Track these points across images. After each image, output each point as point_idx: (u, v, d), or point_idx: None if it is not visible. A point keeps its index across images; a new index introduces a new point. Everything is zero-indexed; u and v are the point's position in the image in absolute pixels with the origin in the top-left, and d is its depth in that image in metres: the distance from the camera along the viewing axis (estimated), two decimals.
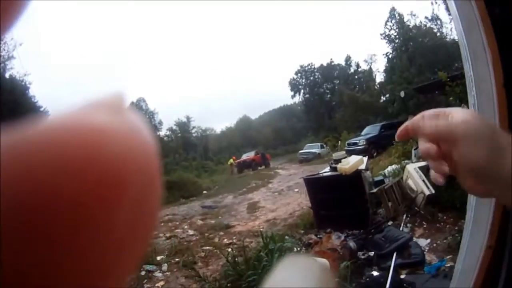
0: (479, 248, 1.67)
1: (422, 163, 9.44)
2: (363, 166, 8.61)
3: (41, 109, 40.72)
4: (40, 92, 79.16)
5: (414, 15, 49.59)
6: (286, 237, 7.72)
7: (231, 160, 36.91)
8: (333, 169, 8.71)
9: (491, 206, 1.61)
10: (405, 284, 5.42)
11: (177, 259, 8.30)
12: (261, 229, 8.81)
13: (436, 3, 40.37)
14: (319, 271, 0.18)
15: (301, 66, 66.10)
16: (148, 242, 0.16)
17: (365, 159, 9.48)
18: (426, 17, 47.63)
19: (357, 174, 8.14)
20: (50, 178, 0.13)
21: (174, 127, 62.34)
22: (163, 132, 62.02)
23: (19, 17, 0.16)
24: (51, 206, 0.13)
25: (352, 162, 8.39)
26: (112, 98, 0.18)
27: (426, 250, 6.54)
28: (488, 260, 1.65)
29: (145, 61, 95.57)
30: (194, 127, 63.56)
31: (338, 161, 8.86)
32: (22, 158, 0.13)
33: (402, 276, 5.74)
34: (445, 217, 7.43)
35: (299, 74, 66.00)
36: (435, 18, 46.07)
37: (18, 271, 0.13)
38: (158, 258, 8.40)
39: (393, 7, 50.94)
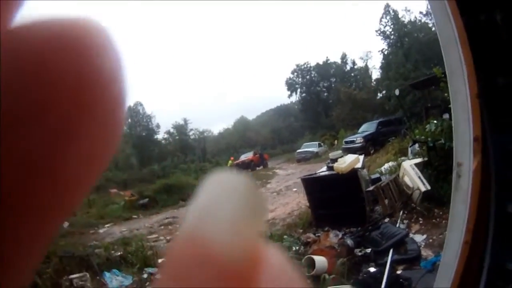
0: (457, 243, 1.81)
1: (418, 160, 9.60)
2: (359, 165, 8.75)
3: None
4: None
5: (409, 11, 49.64)
6: (285, 236, 7.83)
7: (230, 161, 36.92)
8: (330, 168, 8.86)
9: (468, 205, 1.75)
10: (401, 280, 5.55)
11: None
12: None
13: None
14: (244, 186, 0.18)
15: (297, 65, 66.04)
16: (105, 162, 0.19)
17: (361, 157, 9.62)
18: (421, 12, 47.42)
19: (353, 173, 8.29)
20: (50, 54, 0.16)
21: (172, 130, 62.22)
22: (160, 136, 62.05)
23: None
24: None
25: (348, 162, 8.53)
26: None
27: (422, 246, 6.66)
28: (466, 255, 1.79)
29: (142, 64, 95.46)
30: (191, 130, 63.40)
31: (334, 160, 9.01)
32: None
33: (399, 272, 5.87)
34: (441, 213, 7.53)
35: (295, 73, 65.95)
36: (430, 13, 46.05)
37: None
38: (160, 260, 8.50)
39: (388, 4, 51.01)
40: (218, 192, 0.17)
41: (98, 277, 7.66)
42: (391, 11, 50.54)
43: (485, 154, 1.79)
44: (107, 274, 7.67)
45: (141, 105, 60.30)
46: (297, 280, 0.18)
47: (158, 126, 61.29)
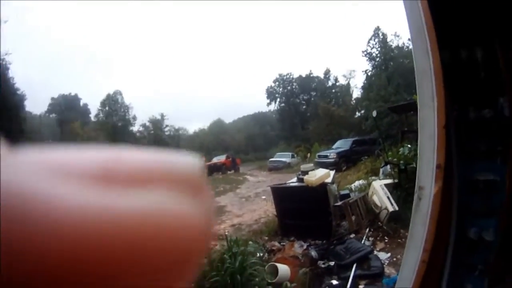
0: (414, 262, 1.93)
1: (389, 181, 9.77)
2: (329, 180, 8.87)
3: (18, 92, 39.82)
4: (21, 73, 77.57)
5: (398, 36, 49.89)
6: (250, 242, 7.86)
7: None
8: (300, 180, 8.94)
9: (426, 226, 1.88)
10: None
11: None
12: (226, 233, 8.95)
13: None
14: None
15: (280, 75, 66.21)
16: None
17: (332, 172, 9.74)
18: (409, 39, 47.59)
19: (322, 187, 8.39)
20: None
21: (148, 124, 61.72)
22: (136, 128, 61.44)
23: None
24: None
25: (318, 175, 8.63)
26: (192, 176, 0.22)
27: (386, 264, 6.78)
28: (422, 273, 1.91)
29: (127, 53, 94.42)
30: (167, 125, 62.91)
31: (305, 172, 9.10)
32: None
33: (361, 287, 5.98)
34: (406, 234, 7.61)
35: (277, 82, 66.05)
36: None
37: None
38: None
39: (378, 26, 51.35)
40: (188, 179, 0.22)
41: None
42: (380, 34, 50.87)
43: (449, 182, 1.92)
44: None
45: (121, 94, 59.77)
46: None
47: (134, 117, 60.83)
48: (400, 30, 50.51)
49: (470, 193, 1.97)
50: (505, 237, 1.80)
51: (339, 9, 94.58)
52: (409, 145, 11.01)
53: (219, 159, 36.82)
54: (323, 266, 6.74)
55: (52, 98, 61.31)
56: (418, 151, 1.99)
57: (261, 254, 7.34)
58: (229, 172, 33.25)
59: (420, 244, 1.90)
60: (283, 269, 6.27)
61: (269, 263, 6.53)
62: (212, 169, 32.85)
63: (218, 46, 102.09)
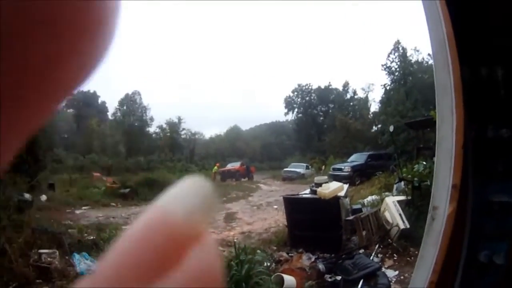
0: (423, 282, 1.88)
1: (402, 197, 9.69)
2: (342, 193, 8.81)
3: None
4: None
5: (418, 51, 49.19)
6: (258, 251, 7.84)
7: (215, 168, 36.87)
8: (313, 192, 8.90)
9: (438, 247, 1.82)
10: None
11: None
12: (235, 240, 8.92)
13: None
14: (206, 189, 0.25)
15: (299, 85, 66.10)
16: None
17: (346, 186, 9.69)
18: (429, 54, 46.37)
19: (335, 200, 8.33)
20: None
21: (164, 126, 61.83)
22: (152, 129, 61.66)
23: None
24: None
25: (332, 188, 8.59)
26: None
27: (393, 281, 6.72)
28: None
29: (149, 54, 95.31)
30: (183, 129, 62.92)
31: (319, 184, 9.06)
32: None
33: None
34: (416, 252, 7.55)
35: (295, 93, 66.00)
36: None
37: None
38: None
39: (398, 40, 50.66)
40: (188, 188, 0.25)
41: (67, 257, 7.63)
42: (400, 48, 50.27)
43: (463, 202, 1.87)
44: (76, 256, 7.64)
45: (139, 94, 59.90)
46: (215, 261, 0.24)
47: (152, 119, 60.90)
48: (420, 45, 50.12)
49: (483, 215, 1.91)
50: None
51: (360, 22, 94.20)
52: (424, 162, 10.91)
53: (234, 165, 36.87)
54: (329, 280, 6.68)
55: None
56: (434, 170, 1.95)
57: (269, 264, 7.31)
58: (242, 179, 33.26)
59: (430, 264, 1.85)
60: (289, 280, 6.22)
61: (276, 274, 6.48)
62: (226, 176, 32.94)
63: (241, 54, 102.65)
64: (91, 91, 61.84)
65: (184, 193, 0.25)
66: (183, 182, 0.26)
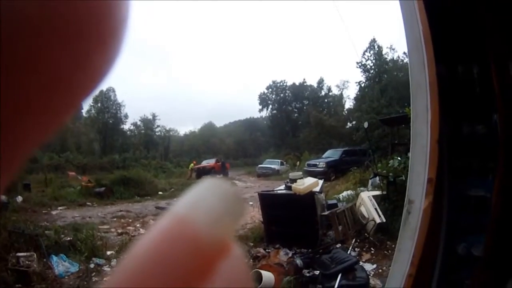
0: (401, 275, 1.92)
1: (377, 192, 9.81)
2: (317, 189, 8.86)
3: None
4: None
5: (393, 49, 49.57)
6: None
7: (192, 165, 36.69)
8: (288, 187, 8.94)
9: (414, 240, 1.86)
10: None
11: None
12: None
13: None
14: (231, 192, 0.23)
15: (273, 82, 66.24)
16: None
17: (321, 182, 9.74)
18: (404, 53, 46.49)
19: (310, 196, 8.38)
20: None
21: (139, 123, 61.46)
22: (127, 126, 61.10)
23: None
24: None
25: (307, 184, 8.63)
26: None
27: (372, 275, 6.80)
28: (409, 287, 1.90)
29: (123, 51, 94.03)
30: (158, 126, 62.60)
31: (294, 180, 9.09)
32: None
33: None
34: (393, 245, 7.63)
35: (270, 89, 66.15)
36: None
37: None
38: (108, 252, 8.45)
39: (374, 38, 51.13)
40: (209, 192, 0.23)
41: (45, 259, 7.52)
42: (376, 46, 50.54)
43: (440, 196, 1.91)
44: (54, 258, 7.54)
45: (114, 91, 59.25)
46: (247, 277, 0.23)
47: (126, 116, 60.36)
48: (395, 43, 50.58)
49: (460, 209, 1.96)
50: (492, 252, 1.79)
51: (336, 19, 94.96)
52: (399, 158, 11.06)
53: (209, 162, 36.74)
54: (308, 275, 6.70)
55: None
56: (409, 164, 1.98)
57: (246, 260, 7.31)
58: (218, 176, 33.11)
59: (408, 258, 1.88)
60: (268, 276, 6.24)
61: (254, 270, 6.49)
62: (201, 173, 32.78)
63: (214, 50, 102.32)
64: None
65: (205, 197, 0.22)
66: (203, 184, 0.23)
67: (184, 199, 0.22)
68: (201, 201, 0.22)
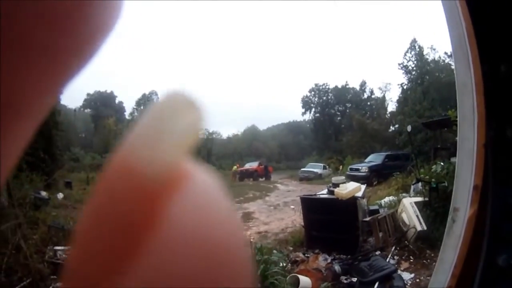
0: (441, 286, 1.83)
1: (419, 199, 9.58)
2: (359, 194, 8.74)
3: None
4: None
5: (434, 49, 48.60)
6: (274, 251, 7.81)
7: (235, 167, 36.96)
8: (331, 192, 8.84)
9: (457, 250, 1.77)
10: None
11: None
12: (251, 240, 8.90)
13: None
14: (184, 105, 0.19)
15: (316, 85, 66.00)
16: None
17: (363, 187, 9.62)
18: (445, 53, 45.88)
19: (352, 201, 8.28)
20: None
21: None
22: None
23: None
24: None
25: (349, 188, 8.53)
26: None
27: (409, 284, 6.65)
28: None
29: (165, 54, 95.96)
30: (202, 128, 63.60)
31: (336, 185, 9.00)
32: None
33: None
34: (432, 255, 7.50)
35: (312, 92, 65.93)
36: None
37: None
38: None
39: (414, 39, 50.11)
40: (154, 112, 0.18)
41: None
42: (416, 47, 49.68)
43: (483, 204, 1.81)
44: None
45: (156, 94, 60.53)
46: (219, 198, 0.19)
47: None
48: (436, 43, 49.51)
49: (503, 218, 1.85)
50: None
51: (377, 21, 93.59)
52: (441, 163, 10.77)
53: (252, 165, 36.98)
54: (345, 281, 6.64)
55: (88, 94, 63.22)
56: (456, 170, 1.89)
57: (284, 264, 7.27)
58: (260, 179, 33.29)
59: (449, 268, 1.80)
60: (305, 281, 6.18)
61: (291, 274, 6.45)
62: (244, 175, 33.05)
63: (259, 53, 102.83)
64: (108, 91, 62.71)
65: (148, 119, 0.18)
66: (152, 105, 0.19)
67: (136, 125, 0.18)
68: (142, 126, 0.18)
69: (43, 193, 11.45)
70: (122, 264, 0.16)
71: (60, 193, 15.10)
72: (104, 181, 0.17)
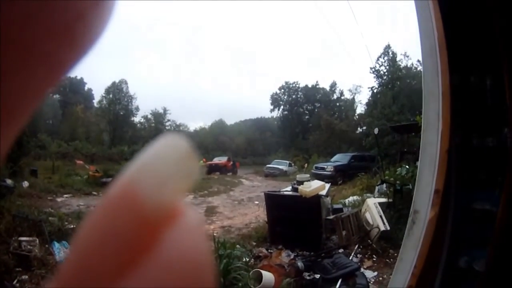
0: (401, 285, 1.89)
1: (383, 200, 9.76)
2: (324, 192, 8.84)
3: None
4: None
5: (407, 57, 49.23)
6: (238, 246, 7.83)
7: (202, 162, 36.75)
8: (295, 189, 8.94)
9: (417, 251, 1.84)
10: None
11: None
12: (215, 234, 8.90)
13: None
14: (183, 151, 0.21)
15: (286, 83, 66.12)
16: None
17: (328, 185, 9.72)
18: (418, 61, 46.33)
19: (316, 199, 8.35)
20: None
21: (149, 116, 61.53)
22: (137, 119, 61.28)
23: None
24: None
25: (313, 186, 8.61)
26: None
27: (372, 282, 6.77)
28: None
29: (137, 43, 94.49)
30: (168, 120, 62.64)
31: (301, 182, 9.08)
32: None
33: None
34: (396, 254, 7.59)
35: (282, 90, 66.03)
36: None
37: None
38: None
39: (389, 44, 50.89)
40: (160, 152, 0.21)
41: (47, 245, 7.54)
42: (390, 53, 50.39)
43: (445, 207, 1.88)
44: (56, 244, 7.55)
45: (126, 83, 59.38)
46: (200, 240, 0.21)
47: (137, 108, 60.32)
48: (410, 51, 50.23)
49: (465, 221, 1.93)
50: (494, 267, 1.76)
51: (351, 24, 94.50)
52: (407, 166, 11.02)
53: (220, 160, 36.89)
54: (308, 278, 6.70)
55: None
56: (417, 174, 1.96)
57: (247, 259, 7.30)
58: (227, 174, 33.24)
59: (409, 268, 1.86)
60: (268, 276, 6.21)
61: (254, 269, 6.47)
62: (212, 169, 32.90)
63: (230, 49, 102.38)
64: (78, 77, 61.25)
65: (155, 157, 0.21)
66: (154, 145, 0.22)
67: (134, 162, 0.21)
68: (149, 162, 0.21)
69: (9, 181, 11.20)
70: (117, 279, 0.18)
71: (26, 182, 14.84)
72: (107, 202, 0.19)
